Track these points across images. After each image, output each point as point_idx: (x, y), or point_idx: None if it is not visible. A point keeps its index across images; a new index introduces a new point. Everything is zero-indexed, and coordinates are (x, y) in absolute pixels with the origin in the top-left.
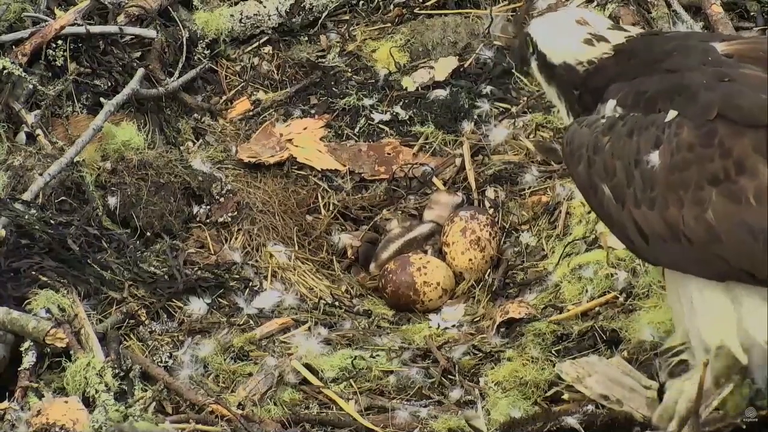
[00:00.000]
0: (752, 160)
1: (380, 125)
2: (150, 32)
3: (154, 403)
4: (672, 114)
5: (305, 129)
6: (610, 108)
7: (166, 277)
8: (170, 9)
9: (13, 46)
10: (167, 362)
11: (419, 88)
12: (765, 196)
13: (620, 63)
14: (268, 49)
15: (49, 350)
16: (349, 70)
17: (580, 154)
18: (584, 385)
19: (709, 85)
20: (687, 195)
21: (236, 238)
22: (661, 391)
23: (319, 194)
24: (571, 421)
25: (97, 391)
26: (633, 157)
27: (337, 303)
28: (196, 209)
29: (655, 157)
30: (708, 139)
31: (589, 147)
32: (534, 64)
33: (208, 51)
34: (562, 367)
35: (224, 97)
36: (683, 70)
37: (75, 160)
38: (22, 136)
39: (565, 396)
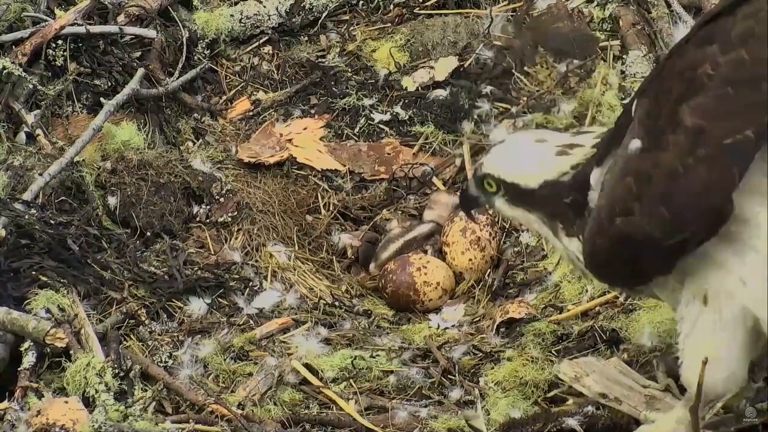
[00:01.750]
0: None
1: (380, 125)
2: (150, 32)
3: (153, 403)
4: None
5: (305, 129)
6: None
7: (166, 277)
8: (170, 9)
9: (13, 46)
10: (167, 362)
11: (419, 88)
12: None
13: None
14: (268, 49)
15: (49, 350)
16: (349, 70)
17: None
18: (582, 384)
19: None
20: (661, 121)
21: (236, 238)
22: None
23: (319, 194)
24: (572, 422)
25: (97, 391)
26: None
27: (337, 303)
28: (196, 209)
29: (635, 144)
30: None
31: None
32: (500, 202)
33: (208, 51)
34: (560, 367)
35: (224, 97)
36: None
37: (75, 160)
38: (22, 136)
39: (569, 402)
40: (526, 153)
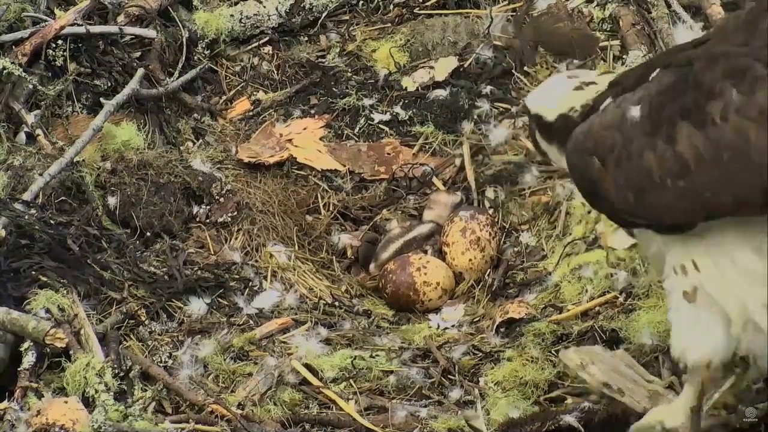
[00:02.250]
0: (720, 84)
1: (380, 125)
2: (150, 32)
3: (153, 403)
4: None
5: (305, 129)
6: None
7: (166, 277)
8: (170, 9)
9: (13, 46)
10: (167, 362)
11: (419, 88)
12: (729, 115)
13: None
14: (268, 49)
15: (48, 350)
16: (349, 70)
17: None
18: (587, 372)
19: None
20: (659, 136)
21: (236, 238)
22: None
23: (319, 194)
24: (569, 419)
25: (96, 391)
26: (618, 119)
27: (337, 303)
28: (196, 209)
29: (636, 111)
30: (684, 77)
31: (587, 138)
32: (537, 134)
33: (208, 51)
34: (566, 354)
35: (224, 97)
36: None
37: (75, 160)
38: (22, 136)
39: (568, 401)
40: (554, 88)
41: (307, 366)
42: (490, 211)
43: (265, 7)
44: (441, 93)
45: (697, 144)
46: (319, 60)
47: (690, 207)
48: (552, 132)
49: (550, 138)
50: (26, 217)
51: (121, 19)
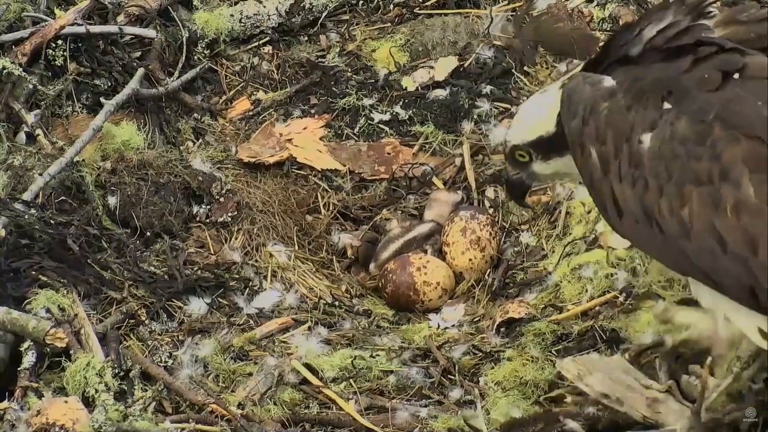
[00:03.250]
0: (738, 170)
1: (380, 125)
2: (150, 32)
3: (153, 403)
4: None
5: (305, 129)
6: (611, 78)
7: (166, 277)
8: (170, 9)
9: (13, 46)
10: (167, 362)
11: (419, 88)
12: (743, 210)
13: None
14: (268, 49)
15: (49, 350)
16: (349, 69)
17: (576, 110)
18: (585, 383)
19: (708, 81)
20: (668, 186)
21: (236, 238)
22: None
23: (319, 194)
24: (573, 425)
25: (96, 391)
26: (626, 132)
27: (337, 303)
28: (196, 209)
29: (647, 139)
30: (701, 137)
31: (587, 107)
32: (539, 166)
33: (208, 51)
34: (564, 364)
35: (224, 97)
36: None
37: (75, 160)
38: (22, 136)
39: (567, 399)
40: (532, 107)
41: (307, 366)
42: (490, 211)
43: (265, 7)
44: (441, 93)
45: (705, 220)
46: (319, 60)
47: (688, 268)
48: (558, 142)
49: (560, 150)
50: (26, 217)
51: (121, 18)
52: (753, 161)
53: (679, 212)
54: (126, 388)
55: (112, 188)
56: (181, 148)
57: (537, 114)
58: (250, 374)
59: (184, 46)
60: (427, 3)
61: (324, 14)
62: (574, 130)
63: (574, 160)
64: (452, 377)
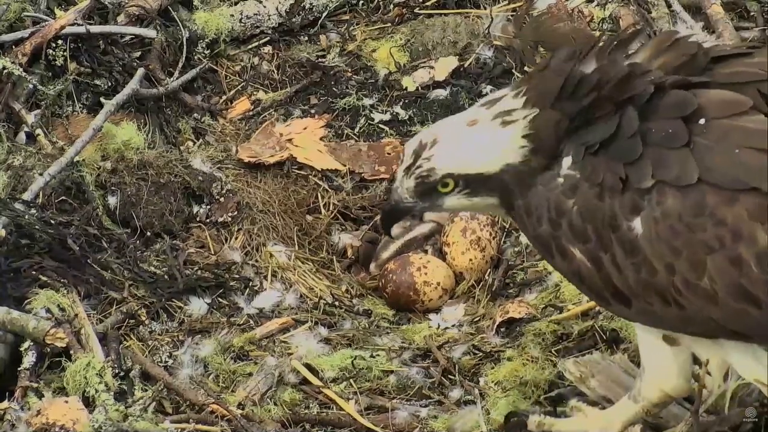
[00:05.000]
0: (749, 226)
1: (380, 125)
2: (150, 32)
3: (153, 403)
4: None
5: (305, 129)
6: (566, 166)
7: (166, 276)
8: (170, 9)
9: (13, 46)
10: (167, 362)
11: (419, 88)
12: (766, 261)
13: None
14: (268, 49)
15: (49, 350)
16: (349, 69)
17: (540, 214)
18: (587, 386)
19: (674, 138)
20: (679, 263)
21: (236, 238)
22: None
23: (319, 194)
24: None
25: (97, 391)
26: (608, 221)
27: (337, 303)
28: (196, 209)
29: (637, 224)
30: (698, 209)
31: (551, 209)
32: (456, 198)
33: (208, 51)
34: (566, 365)
35: (224, 97)
36: (620, 109)
37: (75, 160)
38: (22, 136)
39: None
40: (476, 139)
41: (308, 366)
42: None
43: (265, 7)
44: (441, 93)
45: (729, 283)
46: (319, 60)
47: (715, 332)
48: (496, 184)
49: (492, 190)
50: (26, 217)
51: (121, 18)
52: (760, 214)
53: (697, 284)
54: (126, 388)
55: (112, 188)
56: (181, 148)
57: (478, 145)
58: (250, 374)
59: (184, 46)
60: (427, 3)
61: (324, 14)
62: (543, 236)
63: (551, 263)
64: (452, 377)
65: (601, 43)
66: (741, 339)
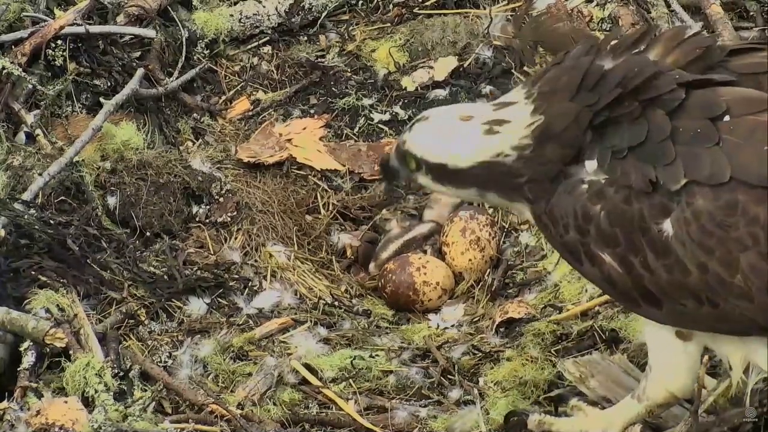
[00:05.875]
0: None
1: (380, 125)
2: (149, 32)
3: (153, 403)
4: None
5: (305, 129)
6: (591, 170)
7: (165, 277)
8: (170, 9)
9: (13, 46)
10: (166, 362)
11: (419, 88)
12: None
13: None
14: (267, 49)
15: (48, 350)
16: (349, 70)
17: (566, 223)
18: (587, 386)
19: (704, 137)
20: (712, 263)
21: (236, 238)
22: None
23: (318, 194)
24: None
25: (96, 391)
26: (638, 224)
27: (336, 303)
28: (195, 209)
29: (668, 226)
30: (730, 208)
31: (578, 215)
32: (424, 179)
33: (208, 51)
34: (566, 365)
35: (224, 97)
36: (647, 110)
37: (74, 160)
38: (21, 136)
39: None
40: (451, 132)
41: (307, 366)
42: (490, 211)
43: (264, 6)
44: (441, 93)
45: (764, 278)
46: (319, 60)
47: (750, 329)
48: (467, 178)
49: (462, 183)
50: (26, 217)
51: (120, 18)
52: None
53: (732, 282)
54: (125, 388)
55: (112, 188)
56: (181, 148)
57: (451, 139)
58: (250, 374)
59: (184, 46)
60: (427, 3)
61: (324, 14)
62: (571, 243)
63: (579, 270)
64: (452, 377)
65: (614, 41)
66: None
